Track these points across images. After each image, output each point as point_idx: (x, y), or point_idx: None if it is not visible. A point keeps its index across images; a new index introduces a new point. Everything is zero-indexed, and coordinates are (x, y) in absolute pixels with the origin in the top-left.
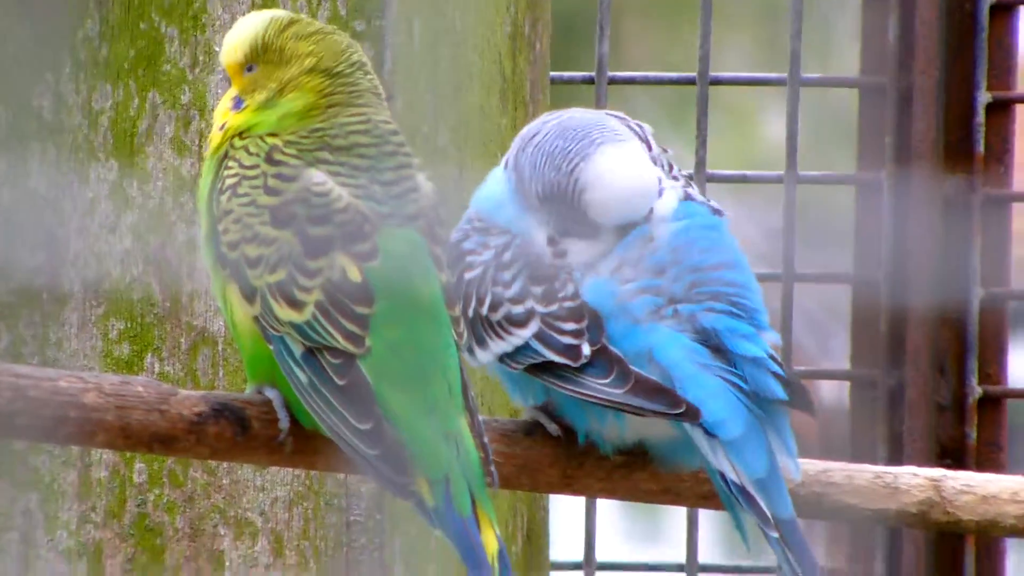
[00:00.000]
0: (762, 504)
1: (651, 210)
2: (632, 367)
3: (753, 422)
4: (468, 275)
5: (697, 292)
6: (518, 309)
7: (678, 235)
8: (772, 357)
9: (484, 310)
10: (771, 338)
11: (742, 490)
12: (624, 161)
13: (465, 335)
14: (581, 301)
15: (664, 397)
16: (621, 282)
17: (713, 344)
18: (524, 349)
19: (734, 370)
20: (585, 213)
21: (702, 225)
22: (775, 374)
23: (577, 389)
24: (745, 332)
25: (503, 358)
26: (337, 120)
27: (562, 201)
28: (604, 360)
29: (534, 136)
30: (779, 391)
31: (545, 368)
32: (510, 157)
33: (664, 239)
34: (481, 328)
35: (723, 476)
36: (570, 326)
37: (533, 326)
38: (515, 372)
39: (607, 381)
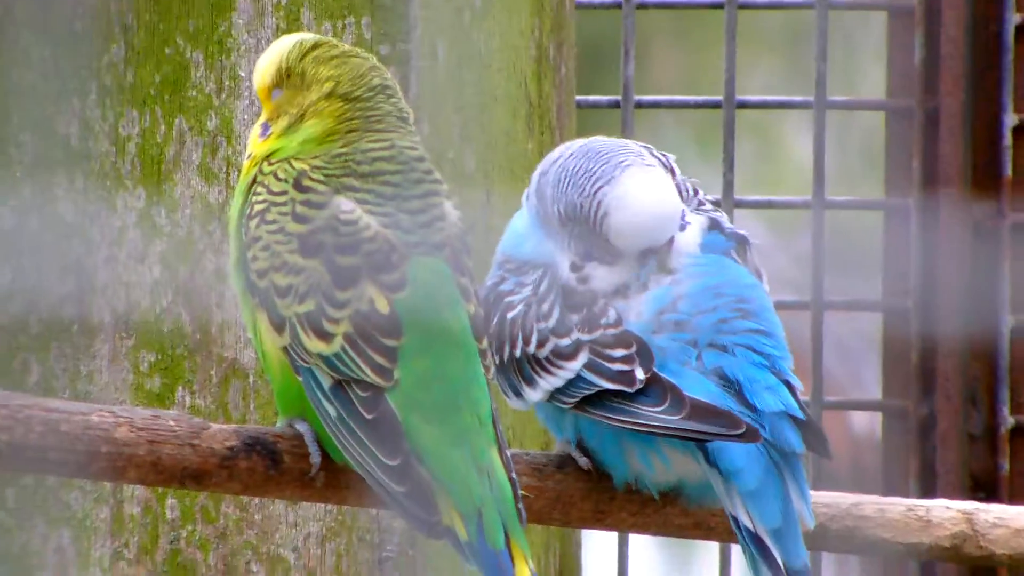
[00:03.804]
0: (775, 552)
1: (672, 239)
2: (693, 391)
3: (771, 470)
4: (510, 315)
5: (720, 340)
6: (565, 341)
7: (701, 281)
8: (793, 402)
9: (531, 348)
10: (795, 384)
11: (755, 537)
12: (649, 186)
13: (509, 376)
14: (624, 328)
15: (722, 419)
16: (648, 332)
17: (737, 389)
18: (576, 382)
19: (756, 416)
20: (606, 237)
21: (725, 270)
22: (796, 420)
23: (634, 420)
24: (768, 383)
25: (555, 394)
26: (359, 145)
27: (584, 223)
28: (657, 388)
29: (558, 159)
30: (797, 443)
31: (596, 402)
32: (531, 186)
33: (687, 286)
34: (529, 367)
35: (737, 521)
36: (619, 352)
37: (583, 357)
38: (548, 405)
39: (663, 408)
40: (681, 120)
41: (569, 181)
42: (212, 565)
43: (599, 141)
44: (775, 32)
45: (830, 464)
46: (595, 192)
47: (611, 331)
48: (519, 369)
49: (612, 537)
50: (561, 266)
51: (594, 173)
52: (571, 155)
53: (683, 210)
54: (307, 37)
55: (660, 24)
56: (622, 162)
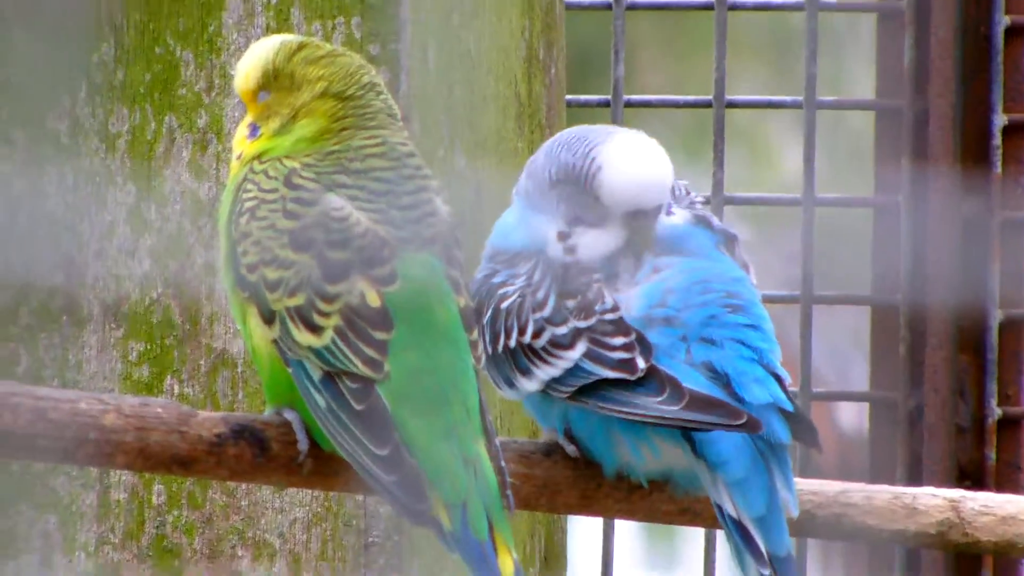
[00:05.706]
0: (759, 540)
1: (660, 208)
2: (684, 383)
3: (758, 461)
4: (505, 304)
5: (710, 334)
6: (562, 330)
7: (689, 276)
8: (781, 394)
9: (527, 338)
10: (783, 376)
11: (739, 525)
12: (644, 147)
13: (501, 366)
14: (621, 315)
15: (722, 411)
16: (639, 327)
17: (725, 382)
18: (575, 371)
19: (745, 408)
20: (597, 196)
21: (713, 265)
22: (784, 411)
23: (633, 410)
24: (756, 375)
25: (551, 384)
26: (352, 143)
27: (575, 183)
28: (654, 378)
29: (552, 139)
30: (785, 434)
31: (593, 392)
32: (521, 179)
33: (676, 281)
34: (525, 357)
35: (722, 510)
36: (619, 340)
37: (581, 346)
38: (537, 394)
39: (662, 399)
40: (670, 123)
41: (562, 147)
42: (197, 550)
43: (592, 126)
44: (763, 36)
45: (817, 458)
46: (589, 151)
47: (609, 316)
48: (514, 359)
49: (598, 524)
50: (550, 242)
51: (587, 138)
52: (565, 133)
53: (670, 203)
54: (289, 38)
55: (650, 29)
56: (617, 132)
